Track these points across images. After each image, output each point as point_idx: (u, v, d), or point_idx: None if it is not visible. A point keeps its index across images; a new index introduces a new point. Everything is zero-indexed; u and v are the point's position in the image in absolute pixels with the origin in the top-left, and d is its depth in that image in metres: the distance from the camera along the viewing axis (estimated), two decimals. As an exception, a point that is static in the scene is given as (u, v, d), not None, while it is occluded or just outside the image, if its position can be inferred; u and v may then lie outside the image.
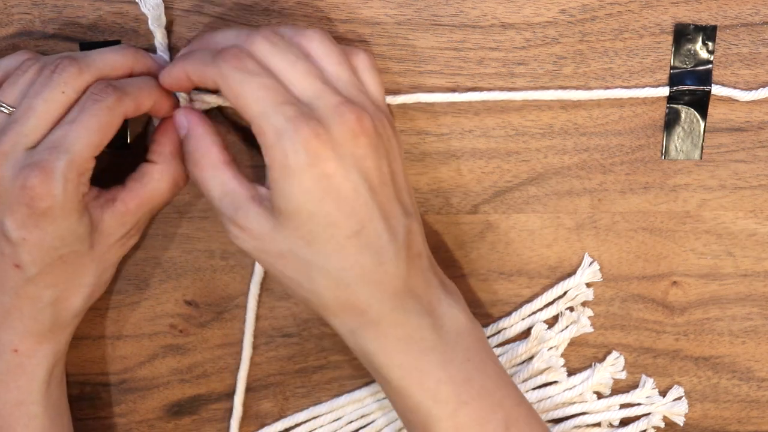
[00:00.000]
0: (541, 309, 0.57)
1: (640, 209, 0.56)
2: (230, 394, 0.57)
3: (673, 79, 0.54)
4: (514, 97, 0.53)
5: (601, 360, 0.58)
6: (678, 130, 0.55)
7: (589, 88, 0.54)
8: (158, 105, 0.49)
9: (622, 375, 0.58)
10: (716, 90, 0.54)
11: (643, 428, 0.58)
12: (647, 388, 0.58)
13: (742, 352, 0.59)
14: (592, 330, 0.57)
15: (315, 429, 0.58)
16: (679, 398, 0.59)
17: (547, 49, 0.53)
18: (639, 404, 0.58)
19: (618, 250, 0.57)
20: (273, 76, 0.46)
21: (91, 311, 0.55)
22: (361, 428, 0.58)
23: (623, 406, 0.58)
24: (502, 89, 0.53)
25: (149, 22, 0.51)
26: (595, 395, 0.58)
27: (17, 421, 0.50)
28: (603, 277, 0.57)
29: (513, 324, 0.57)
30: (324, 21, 0.52)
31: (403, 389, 0.48)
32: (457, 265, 0.56)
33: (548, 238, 0.56)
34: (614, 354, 0.58)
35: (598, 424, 0.58)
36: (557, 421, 0.58)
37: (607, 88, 0.54)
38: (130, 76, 0.49)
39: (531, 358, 0.57)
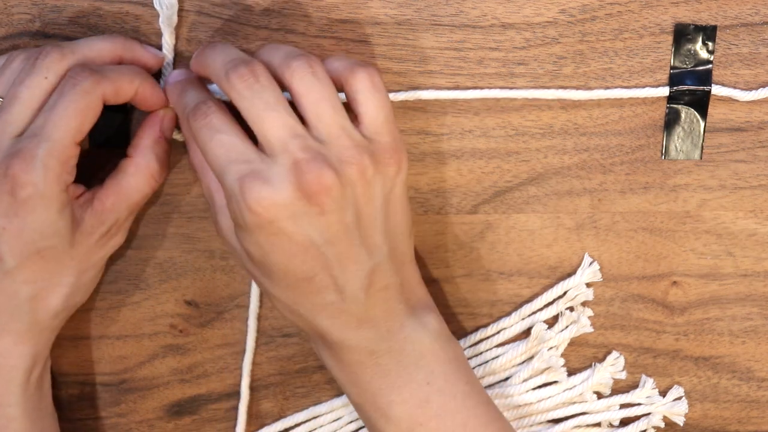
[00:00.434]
0: (541, 309, 0.57)
1: (640, 209, 0.56)
2: (230, 394, 0.57)
3: (673, 79, 0.54)
4: (515, 95, 0.53)
5: (601, 360, 0.58)
6: (678, 130, 0.55)
7: (589, 88, 0.54)
8: (142, 94, 0.49)
9: (622, 375, 0.58)
10: (716, 90, 0.54)
11: (643, 428, 0.58)
12: (647, 388, 0.58)
13: (742, 352, 0.59)
14: (592, 330, 0.57)
15: (315, 429, 0.58)
16: (679, 398, 0.59)
17: (547, 49, 0.53)
18: (639, 404, 0.58)
19: (618, 250, 0.57)
20: (234, 132, 0.46)
21: (91, 311, 0.55)
22: (360, 428, 0.58)
23: (623, 406, 0.58)
24: (502, 89, 0.53)
25: (160, 19, 0.50)
26: (595, 395, 0.58)
27: None
28: (603, 277, 0.57)
29: (513, 324, 0.57)
30: (324, 21, 0.52)
31: (358, 406, 0.50)
32: (457, 265, 0.56)
33: (548, 238, 0.56)
34: (614, 354, 0.58)
35: (598, 424, 0.58)
36: (557, 421, 0.58)
37: (607, 88, 0.54)
38: (121, 63, 0.49)
39: (531, 358, 0.57)
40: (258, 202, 0.44)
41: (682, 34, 0.53)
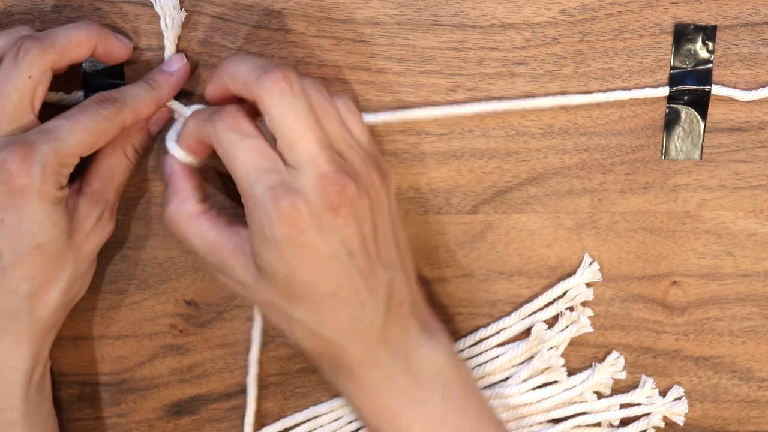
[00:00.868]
0: (541, 309, 0.57)
1: (640, 209, 0.56)
2: (230, 394, 0.57)
3: (673, 79, 0.54)
4: (513, 106, 0.53)
5: (601, 360, 0.58)
6: (678, 130, 0.55)
7: (589, 89, 0.54)
8: (156, 117, 0.51)
9: (622, 375, 0.58)
10: (716, 90, 0.54)
11: (643, 428, 0.58)
12: (647, 388, 0.58)
13: (742, 352, 0.59)
14: (592, 330, 0.57)
15: (315, 429, 0.58)
16: (679, 398, 0.59)
17: (547, 49, 0.53)
18: (639, 404, 0.58)
19: (618, 250, 0.57)
20: (262, 138, 0.46)
21: (91, 311, 0.55)
22: (360, 428, 0.58)
23: (623, 406, 0.58)
24: (502, 90, 0.53)
25: (161, 22, 0.50)
26: (595, 395, 0.58)
27: None
28: (603, 277, 0.57)
29: (513, 324, 0.57)
30: (324, 21, 0.52)
31: (377, 428, 0.50)
32: (457, 265, 0.56)
33: (548, 238, 0.56)
34: (614, 354, 0.58)
35: (598, 424, 0.58)
36: (557, 421, 0.58)
37: (607, 88, 0.54)
38: (94, 53, 0.49)
39: (531, 358, 0.57)
40: (291, 213, 0.44)
41: (682, 34, 0.53)
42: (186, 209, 0.48)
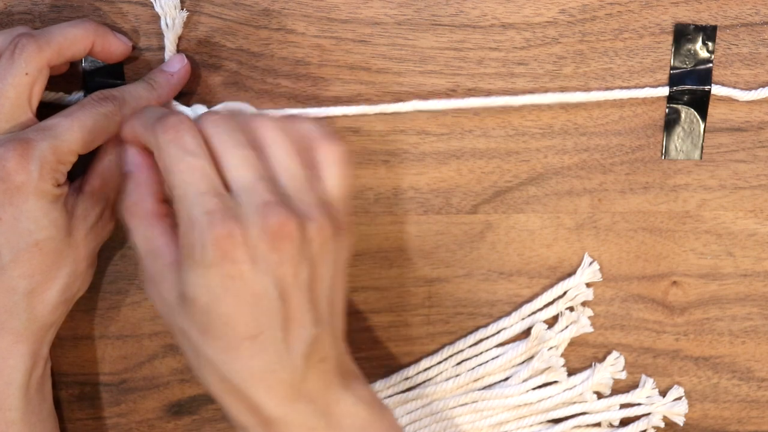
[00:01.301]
0: (541, 309, 0.57)
1: (640, 209, 0.56)
2: (230, 394, 0.57)
3: (673, 79, 0.54)
4: (514, 102, 0.53)
5: (601, 360, 0.58)
6: (678, 130, 0.55)
7: (589, 89, 0.54)
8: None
9: (622, 375, 0.58)
10: (716, 90, 0.54)
11: (643, 428, 0.58)
12: (647, 388, 0.58)
13: (742, 352, 0.59)
14: (592, 330, 0.57)
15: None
16: (679, 398, 0.59)
17: (547, 49, 0.53)
18: (639, 404, 0.58)
19: (618, 250, 0.57)
20: (207, 158, 0.43)
21: (91, 311, 0.55)
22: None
23: (623, 406, 0.58)
24: (502, 90, 0.53)
25: (162, 22, 0.51)
26: (595, 395, 0.58)
27: None
28: (603, 277, 0.57)
29: (513, 324, 0.57)
30: (324, 21, 0.52)
31: None
32: (457, 265, 0.56)
33: (548, 238, 0.56)
34: (614, 354, 0.58)
35: (598, 424, 0.58)
36: (557, 421, 0.58)
37: (608, 88, 0.54)
38: (92, 51, 0.49)
39: (531, 358, 0.57)
40: (225, 239, 0.42)
41: (682, 34, 0.53)
42: (144, 206, 0.46)
